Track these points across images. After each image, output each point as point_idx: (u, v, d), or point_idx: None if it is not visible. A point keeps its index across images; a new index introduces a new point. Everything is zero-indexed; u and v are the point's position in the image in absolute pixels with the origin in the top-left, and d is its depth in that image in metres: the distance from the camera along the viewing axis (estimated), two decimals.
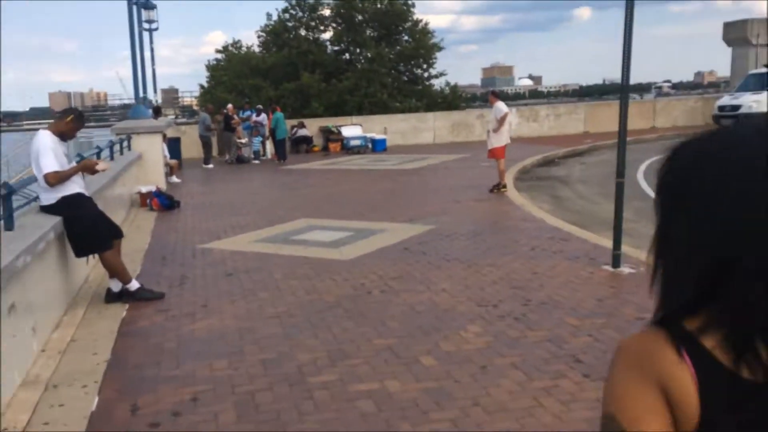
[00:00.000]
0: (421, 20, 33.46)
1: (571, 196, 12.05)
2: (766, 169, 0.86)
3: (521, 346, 4.44)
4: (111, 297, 5.87)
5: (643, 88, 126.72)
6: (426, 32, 33.46)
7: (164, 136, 14.98)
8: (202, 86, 35.31)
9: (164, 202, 10.86)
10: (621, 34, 5.96)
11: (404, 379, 3.99)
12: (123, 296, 5.84)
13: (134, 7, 16.71)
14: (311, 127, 23.45)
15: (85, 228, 5.56)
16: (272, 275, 6.55)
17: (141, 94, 17.62)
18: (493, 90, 11.75)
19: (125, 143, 13.43)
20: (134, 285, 5.90)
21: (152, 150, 13.88)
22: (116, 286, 5.87)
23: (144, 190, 11.21)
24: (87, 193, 5.83)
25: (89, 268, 6.75)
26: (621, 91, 6.17)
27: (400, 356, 4.35)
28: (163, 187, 13.98)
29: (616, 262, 6.25)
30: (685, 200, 0.91)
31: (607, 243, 6.78)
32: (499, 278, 6.12)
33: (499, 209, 9.94)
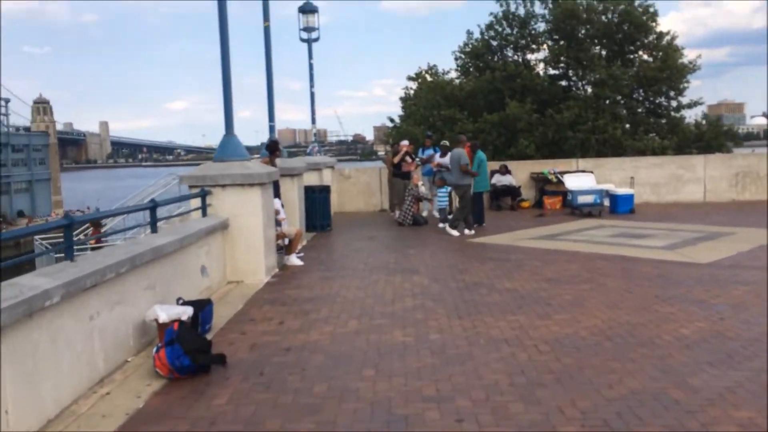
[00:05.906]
0: (667, 33, 25.02)
1: None
2: None
3: None
4: None
5: None
6: (675, 49, 24.94)
7: (277, 187, 9.15)
8: (390, 119, 29.64)
9: (180, 364, 4.66)
10: None
11: None
12: None
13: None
14: (518, 173, 16.62)
15: None
16: None
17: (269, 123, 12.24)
18: None
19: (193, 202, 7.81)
20: None
21: (245, 214, 8.05)
22: None
23: (163, 317, 5.18)
24: None
25: None
26: None
27: None
28: (264, 279, 8.11)
29: None
30: None
31: None
32: None
33: None
